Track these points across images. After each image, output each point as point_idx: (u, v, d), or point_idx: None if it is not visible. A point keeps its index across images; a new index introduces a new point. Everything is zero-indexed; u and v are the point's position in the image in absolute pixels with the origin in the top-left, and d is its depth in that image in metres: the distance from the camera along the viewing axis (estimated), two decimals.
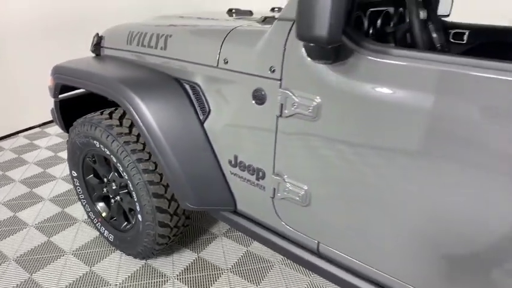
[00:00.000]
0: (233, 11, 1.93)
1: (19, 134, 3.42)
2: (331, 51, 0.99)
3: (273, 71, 1.19)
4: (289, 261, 1.98)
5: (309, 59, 1.07)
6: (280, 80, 1.18)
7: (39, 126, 3.57)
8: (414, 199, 1.00)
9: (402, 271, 1.13)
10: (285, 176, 1.29)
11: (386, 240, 1.11)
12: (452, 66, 0.88)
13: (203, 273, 1.90)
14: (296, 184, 1.27)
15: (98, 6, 3.56)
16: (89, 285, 1.81)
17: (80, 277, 1.85)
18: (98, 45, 1.96)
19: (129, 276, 1.87)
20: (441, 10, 2.43)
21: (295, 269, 1.94)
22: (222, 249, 2.08)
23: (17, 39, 3.16)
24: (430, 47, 1.28)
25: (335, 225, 1.24)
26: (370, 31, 1.46)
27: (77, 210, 2.36)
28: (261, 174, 1.36)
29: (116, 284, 1.82)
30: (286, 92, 1.16)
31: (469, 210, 0.92)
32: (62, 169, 2.84)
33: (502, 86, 0.81)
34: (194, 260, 1.99)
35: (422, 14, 1.48)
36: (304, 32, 0.88)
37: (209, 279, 1.86)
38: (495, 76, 0.82)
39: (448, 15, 2.46)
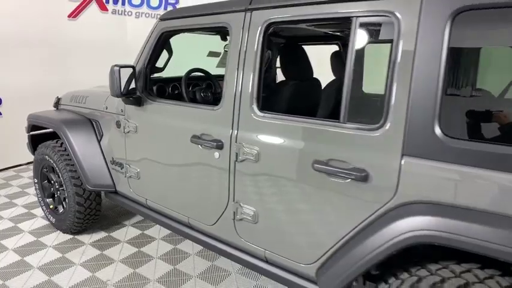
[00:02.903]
0: None
1: (10, 169, 4.69)
2: (134, 101, 2.28)
3: (122, 111, 2.47)
4: (169, 237, 3.08)
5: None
6: (124, 114, 2.46)
7: (26, 164, 4.84)
8: (180, 172, 2.19)
9: (179, 208, 2.28)
10: (130, 164, 2.51)
11: (172, 194, 2.29)
12: (174, 105, 2.16)
13: (107, 243, 3.01)
14: (134, 168, 2.48)
15: (68, 80, 5.03)
16: (33, 246, 2.92)
17: (30, 242, 2.97)
18: (57, 103, 3.30)
19: (59, 243, 2.98)
20: None
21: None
22: (126, 232, 3.20)
23: (13, 103, 4.57)
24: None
25: (152, 188, 2.42)
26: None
27: (38, 212, 3.52)
28: (122, 165, 2.58)
29: (50, 246, 2.93)
30: (126, 120, 2.44)
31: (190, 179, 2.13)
32: None
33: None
34: (105, 236, 3.11)
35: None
36: (112, 93, 2.17)
37: (109, 246, 2.96)
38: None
39: None
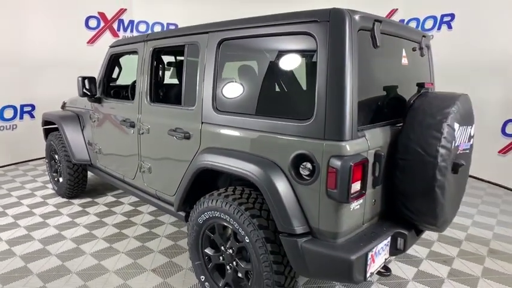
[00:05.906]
0: None
1: (39, 159, 6.14)
2: (96, 100, 3.48)
3: (92, 107, 3.68)
4: (135, 203, 4.21)
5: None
6: (93, 110, 3.66)
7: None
8: (117, 144, 3.35)
9: (118, 170, 3.42)
10: (96, 143, 3.70)
11: (114, 160, 3.44)
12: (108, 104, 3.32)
13: (90, 204, 4.21)
14: (97, 145, 3.66)
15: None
16: (40, 204, 4.19)
17: (38, 202, 4.26)
18: (63, 106, 4.62)
19: (57, 203, 4.23)
20: None
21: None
22: (106, 199, 4.38)
23: (43, 109, 6.03)
24: None
25: (106, 158, 3.58)
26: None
27: (50, 185, 4.82)
28: (93, 144, 3.77)
29: (51, 204, 4.18)
30: (93, 113, 3.64)
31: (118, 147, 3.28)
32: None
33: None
34: (89, 201, 4.32)
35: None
36: (78, 94, 3.37)
37: (90, 206, 4.15)
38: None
39: None
